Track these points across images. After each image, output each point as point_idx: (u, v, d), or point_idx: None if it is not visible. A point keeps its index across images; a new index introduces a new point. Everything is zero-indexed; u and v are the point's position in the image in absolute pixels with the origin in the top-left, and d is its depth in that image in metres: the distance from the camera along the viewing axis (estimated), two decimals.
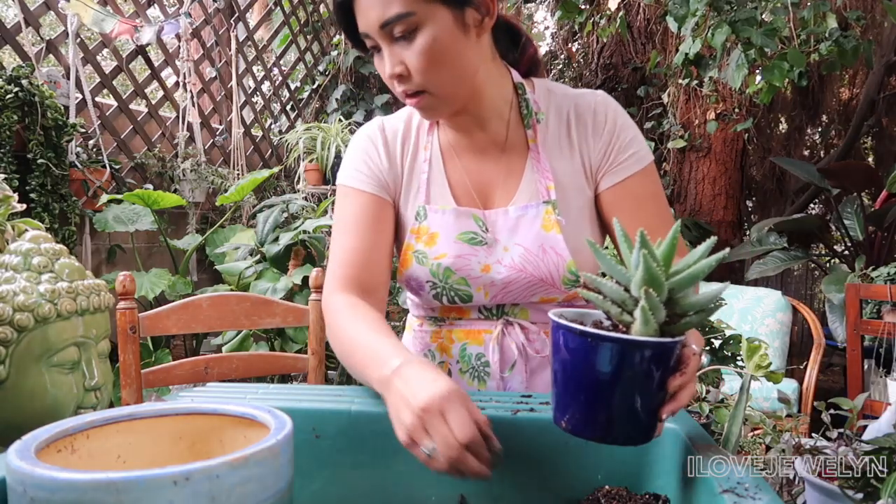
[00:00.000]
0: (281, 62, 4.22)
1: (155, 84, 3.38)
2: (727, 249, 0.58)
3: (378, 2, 0.78)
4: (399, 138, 0.97)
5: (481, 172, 0.94)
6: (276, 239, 2.70)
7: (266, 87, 4.21)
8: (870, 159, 5.43)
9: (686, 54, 2.53)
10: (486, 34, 0.87)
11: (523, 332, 0.94)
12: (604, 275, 0.57)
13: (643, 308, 0.50)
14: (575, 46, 5.14)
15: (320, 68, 4.39)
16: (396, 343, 0.75)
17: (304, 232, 2.71)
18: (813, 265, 5.17)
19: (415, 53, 0.80)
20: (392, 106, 4.48)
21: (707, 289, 0.55)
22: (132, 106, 3.13)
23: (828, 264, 4.58)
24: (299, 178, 3.75)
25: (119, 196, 2.67)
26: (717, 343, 1.48)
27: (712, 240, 0.55)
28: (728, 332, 1.49)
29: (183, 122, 3.35)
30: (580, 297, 0.97)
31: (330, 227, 3.05)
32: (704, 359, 1.43)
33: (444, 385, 0.61)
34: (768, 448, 0.86)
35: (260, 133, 4.04)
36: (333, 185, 3.70)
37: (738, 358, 1.44)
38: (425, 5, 0.78)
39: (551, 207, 0.90)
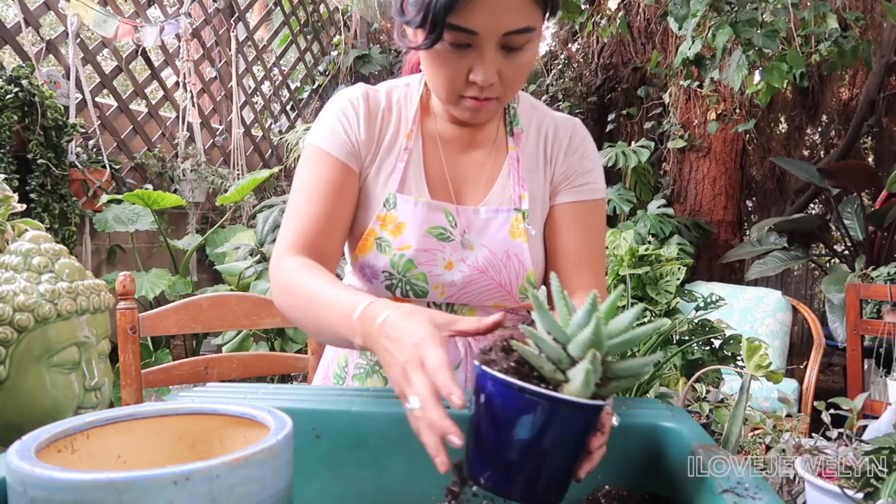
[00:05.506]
0: (281, 62, 4.22)
1: (155, 84, 3.38)
2: (664, 320, 0.56)
3: (515, 9, 0.75)
4: (380, 114, 0.92)
5: (462, 166, 0.94)
6: (276, 239, 2.70)
7: (266, 87, 4.21)
8: (870, 159, 5.43)
9: (686, 55, 2.53)
10: None
11: None
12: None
13: (587, 371, 0.49)
14: (575, 46, 5.14)
15: (320, 68, 4.39)
16: (362, 293, 0.71)
17: None
18: (813, 265, 5.18)
19: (517, 66, 0.80)
20: None
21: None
22: (132, 106, 3.13)
23: (828, 264, 4.58)
24: None
25: (119, 196, 2.67)
26: (717, 343, 1.48)
27: (639, 307, 0.54)
28: (728, 332, 1.49)
29: (183, 123, 3.35)
30: (531, 308, 0.97)
31: None
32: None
33: (423, 329, 0.56)
34: (768, 448, 0.86)
35: (260, 133, 4.04)
36: None
37: (738, 358, 1.44)
38: (540, 23, 0.79)
39: (521, 216, 0.91)
